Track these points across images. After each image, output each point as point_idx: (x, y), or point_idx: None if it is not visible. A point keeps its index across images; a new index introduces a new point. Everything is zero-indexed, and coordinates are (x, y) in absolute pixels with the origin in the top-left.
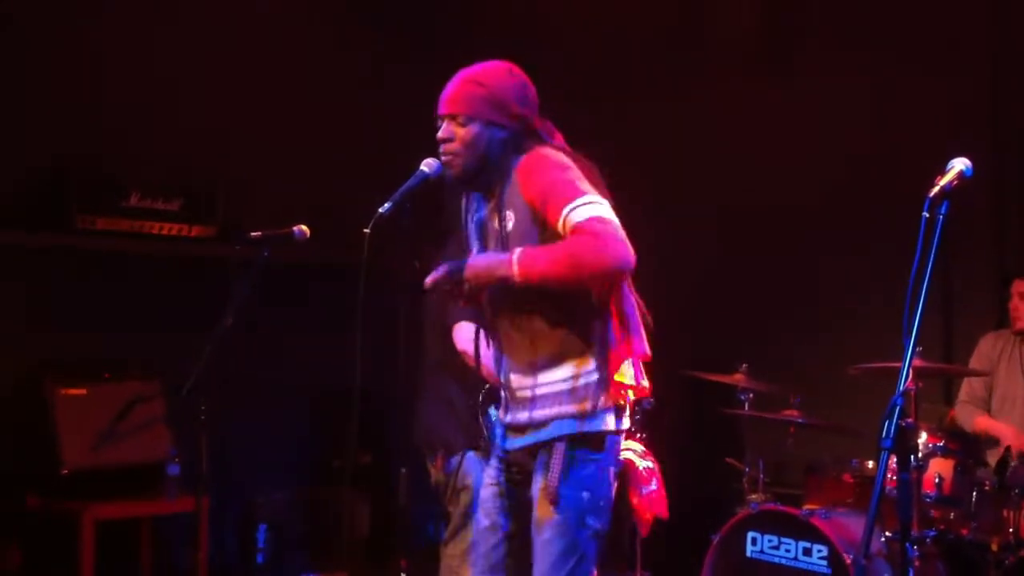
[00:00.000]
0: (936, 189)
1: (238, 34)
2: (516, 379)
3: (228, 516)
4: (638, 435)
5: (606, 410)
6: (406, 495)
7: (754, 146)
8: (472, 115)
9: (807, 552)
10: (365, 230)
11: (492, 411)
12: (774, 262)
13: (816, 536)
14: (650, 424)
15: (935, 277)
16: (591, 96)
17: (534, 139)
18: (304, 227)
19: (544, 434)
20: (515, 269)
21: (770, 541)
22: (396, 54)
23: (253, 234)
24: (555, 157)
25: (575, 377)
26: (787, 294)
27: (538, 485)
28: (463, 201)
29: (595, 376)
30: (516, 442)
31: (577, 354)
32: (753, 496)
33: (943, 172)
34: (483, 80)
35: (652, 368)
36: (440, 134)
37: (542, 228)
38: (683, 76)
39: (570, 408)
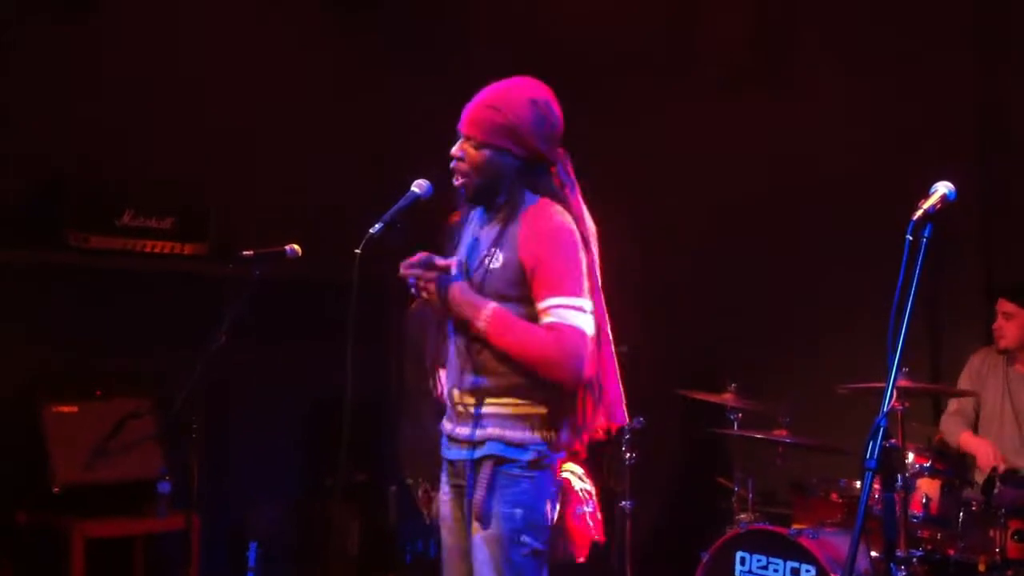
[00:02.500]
0: (919, 212)
1: (230, 53)
2: (460, 395)
3: (219, 533)
4: (629, 454)
5: (542, 443)
6: (395, 512)
7: (744, 164)
8: (485, 141)
9: (795, 572)
10: (356, 250)
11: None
12: (763, 281)
13: (804, 556)
14: (639, 443)
15: (922, 297)
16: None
17: (548, 177)
18: (296, 246)
19: (476, 452)
20: (485, 325)
21: (758, 560)
22: (390, 70)
23: (245, 253)
24: (560, 229)
25: (517, 406)
26: (776, 314)
27: (470, 501)
28: (464, 212)
29: (541, 410)
30: (454, 454)
31: (525, 390)
32: (742, 515)
33: (927, 195)
34: (503, 107)
35: (642, 388)
36: (454, 150)
37: (521, 289)
38: (670, 92)
39: (507, 433)
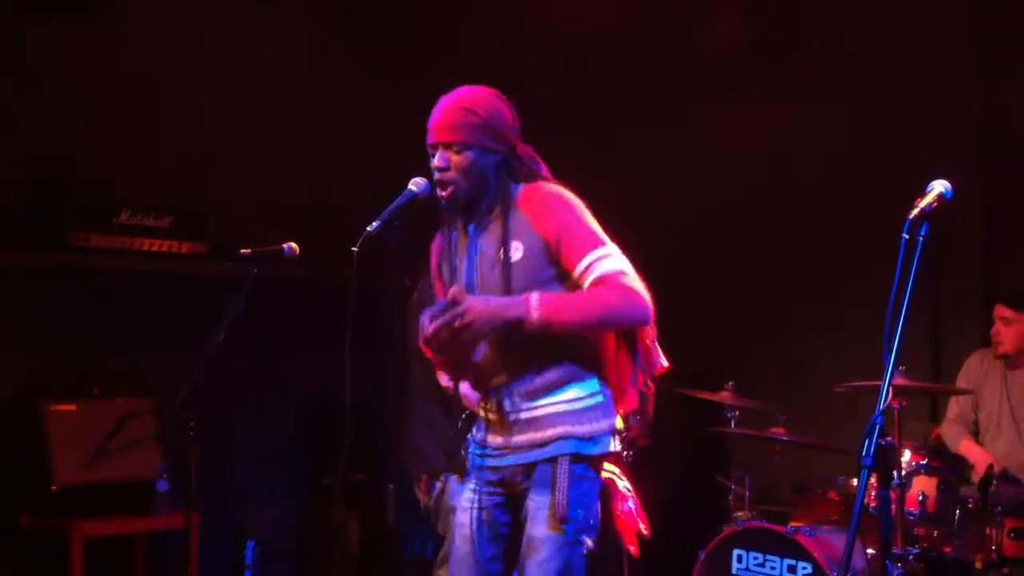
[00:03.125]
0: (916, 211)
1: (229, 53)
2: (511, 403)
3: (219, 532)
4: (624, 454)
5: (608, 432)
6: (394, 512)
7: (741, 164)
8: (468, 142)
9: (792, 569)
10: (353, 248)
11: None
12: (760, 280)
13: (801, 554)
14: (636, 442)
15: (923, 296)
16: (575, 113)
17: (523, 165)
18: (294, 244)
19: (544, 453)
20: (535, 314)
21: (755, 558)
22: (385, 70)
23: (243, 251)
24: (562, 194)
25: (579, 399)
26: (774, 312)
27: (538, 503)
28: (447, 233)
29: (599, 398)
30: (507, 460)
31: (582, 377)
32: (739, 513)
33: (923, 194)
34: (474, 107)
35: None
36: (436, 163)
37: (553, 268)
38: (669, 92)
39: (574, 428)
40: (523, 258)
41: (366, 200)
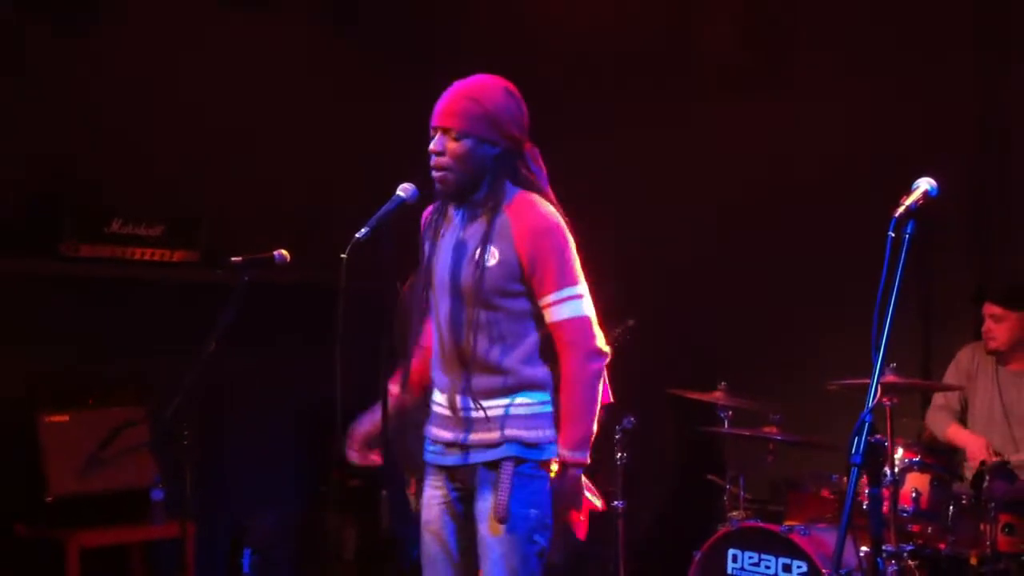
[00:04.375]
0: (901, 208)
1: (218, 59)
2: (464, 399)
3: (215, 540)
4: (620, 454)
5: (553, 442)
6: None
7: (734, 163)
8: (466, 131)
9: (787, 568)
10: (342, 255)
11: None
12: (752, 279)
13: (796, 552)
14: (630, 443)
15: (913, 293)
16: (575, 112)
17: (523, 166)
18: (284, 252)
19: (491, 454)
20: (581, 458)
21: (750, 558)
22: (380, 76)
23: (234, 259)
24: (550, 219)
25: (529, 406)
26: (766, 311)
27: (485, 502)
28: (438, 207)
29: (548, 407)
30: (454, 459)
31: (534, 387)
32: (734, 513)
33: (909, 192)
34: (480, 97)
35: (632, 387)
36: (432, 146)
37: (520, 284)
38: (668, 92)
39: (523, 434)
40: (496, 265)
41: (365, 202)
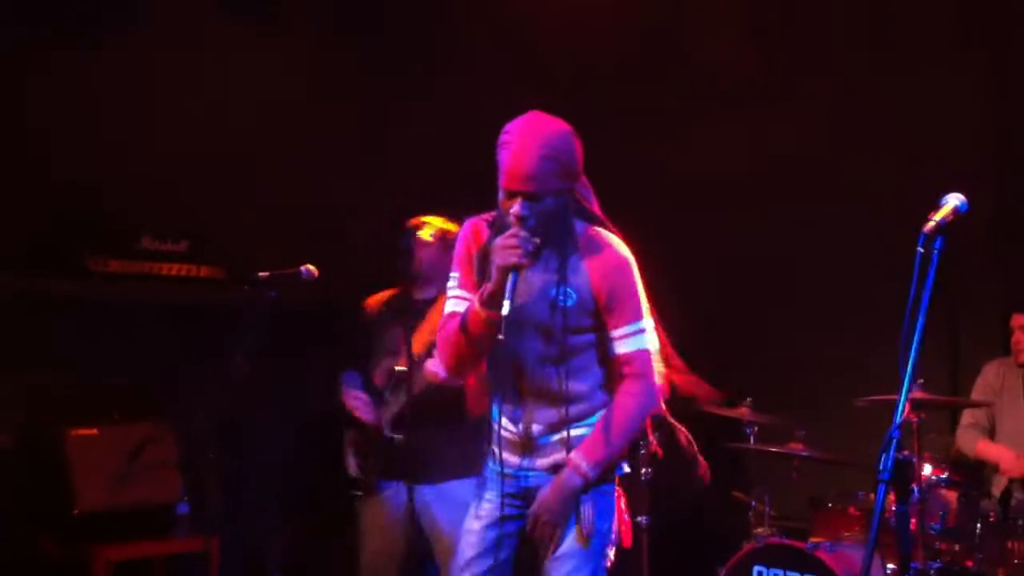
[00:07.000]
0: (931, 224)
1: (241, 76)
2: (538, 429)
3: (239, 554)
4: (643, 471)
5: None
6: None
7: (755, 179)
8: (547, 190)
9: None
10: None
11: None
12: (777, 295)
13: (821, 569)
14: (655, 459)
15: (940, 308)
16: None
17: (580, 197)
18: (311, 267)
19: None
20: (589, 473)
21: (776, 575)
22: (404, 90)
23: (260, 275)
24: (622, 256)
25: None
26: (792, 327)
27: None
28: (491, 234)
29: None
30: (530, 481)
31: (602, 409)
32: (759, 529)
33: (937, 207)
34: (556, 154)
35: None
36: (517, 210)
37: (594, 319)
38: (671, 102)
39: None
40: (576, 306)
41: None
